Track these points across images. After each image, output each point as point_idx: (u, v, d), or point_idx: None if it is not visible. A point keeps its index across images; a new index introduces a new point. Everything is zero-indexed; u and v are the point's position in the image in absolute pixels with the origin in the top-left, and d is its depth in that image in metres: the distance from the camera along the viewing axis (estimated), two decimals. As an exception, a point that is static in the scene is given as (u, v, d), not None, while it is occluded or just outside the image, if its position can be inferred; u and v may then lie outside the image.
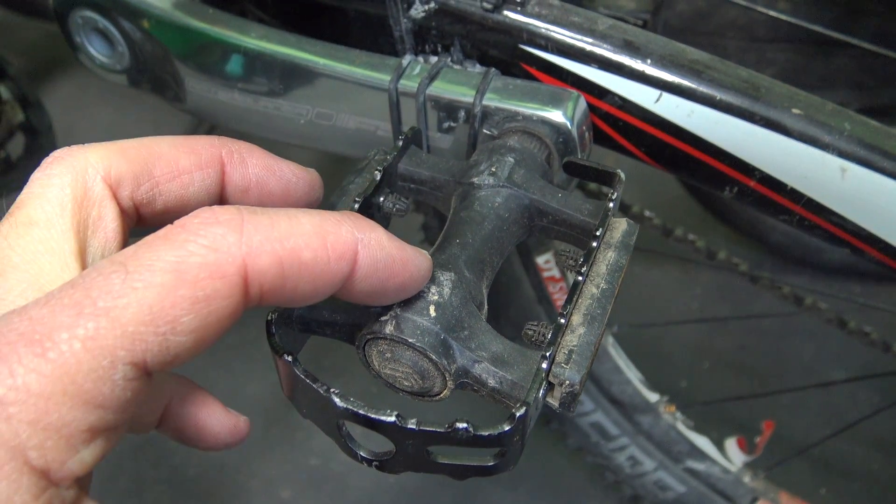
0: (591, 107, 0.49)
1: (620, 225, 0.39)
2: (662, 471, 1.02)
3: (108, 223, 0.31)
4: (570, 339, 0.33)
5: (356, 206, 0.39)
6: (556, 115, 0.47)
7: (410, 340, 0.32)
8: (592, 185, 0.90)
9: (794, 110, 0.46)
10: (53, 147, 1.13)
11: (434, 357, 0.33)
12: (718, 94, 0.46)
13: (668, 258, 1.42)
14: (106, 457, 0.25)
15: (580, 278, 0.35)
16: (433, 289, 0.34)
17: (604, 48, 0.48)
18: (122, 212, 0.32)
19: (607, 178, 0.42)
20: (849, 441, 1.22)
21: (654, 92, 0.47)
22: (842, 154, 0.45)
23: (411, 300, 0.34)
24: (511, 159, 0.42)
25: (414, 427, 0.30)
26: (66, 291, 0.24)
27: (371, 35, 0.55)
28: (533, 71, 0.50)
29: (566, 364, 0.32)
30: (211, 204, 0.33)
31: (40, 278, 0.28)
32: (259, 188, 0.35)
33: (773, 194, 0.49)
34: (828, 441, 1.08)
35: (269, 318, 0.34)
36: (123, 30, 0.59)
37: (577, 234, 0.40)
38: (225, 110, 0.59)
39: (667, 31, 0.52)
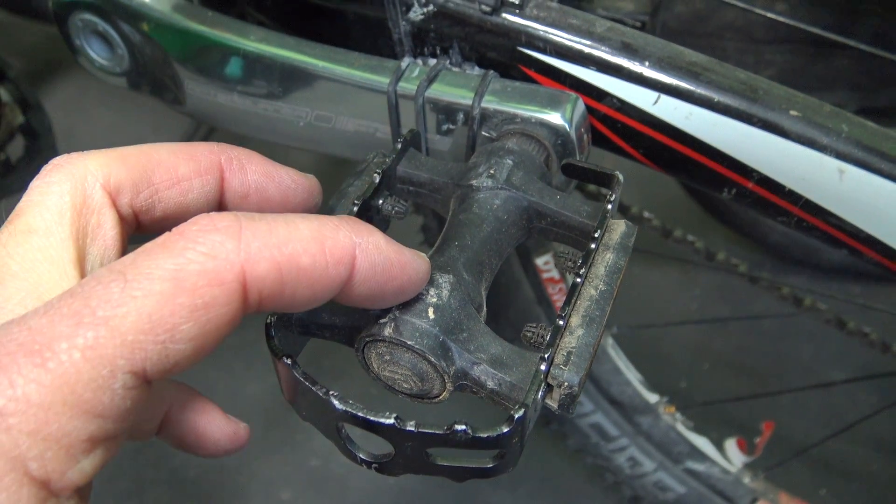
0: (589, 109, 0.49)
1: (619, 226, 0.39)
2: (662, 472, 1.02)
3: (108, 231, 0.31)
4: (569, 341, 0.33)
5: (355, 208, 0.39)
6: (555, 118, 0.47)
7: (409, 343, 0.33)
8: (591, 187, 0.90)
9: (792, 112, 0.46)
10: (53, 149, 1.13)
11: (433, 359, 0.33)
12: (716, 96, 0.46)
13: (668, 259, 1.42)
14: (103, 467, 0.25)
15: (578, 280, 0.35)
16: (432, 291, 0.34)
17: (602, 50, 0.48)
18: (122, 219, 0.32)
19: (606, 179, 0.42)
20: (848, 442, 1.22)
21: (653, 94, 0.47)
22: (839, 156, 0.45)
23: (410, 302, 0.34)
24: (509, 161, 0.42)
25: (413, 429, 0.30)
26: (64, 301, 0.24)
27: (370, 38, 0.55)
28: (531, 73, 0.50)
29: (565, 366, 0.32)
30: (210, 210, 0.33)
31: (39, 286, 0.28)
32: (258, 194, 0.35)
33: (771, 196, 0.49)
34: (827, 442, 1.08)
35: (269, 321, 0.34)
36: (123, 32, 0.59)
37: (576, 236, 0.40)
38: (224, 113, 0.59)
39: (665, 33, 0.52)
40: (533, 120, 0.47)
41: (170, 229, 0.26)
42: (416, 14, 0.51)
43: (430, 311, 0.33)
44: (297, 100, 0.55)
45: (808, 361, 1.37)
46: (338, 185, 0.41)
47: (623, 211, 0.96)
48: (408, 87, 0.50)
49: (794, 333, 1.39)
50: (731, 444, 1.04)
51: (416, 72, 0.51)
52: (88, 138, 1.81)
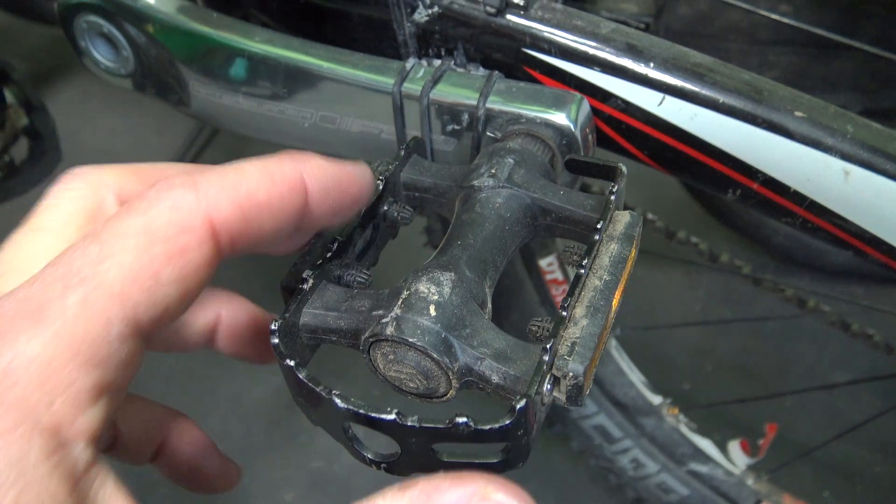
0: (594, 110, 0.49)
1: (623, 217, 0.39)
2: (665, 473, 1.02)
3: None
4: (573, 332, 0.33)
5: (360, 215, 0.39)
6: (560, 118, 0.47)
7: (411, 340, 0.33)
8: (597, 188, 0.90)
9: (797, 113, 0.46)
10: (57, 151, 1.13)
11: (435, 356, 0.33)
12: (721, 97, 0.46)
13: (671, 261, 1.42)
14: (112, 418, 0.27)
15: (582, 271, 0.35)
16: (433, 289, 0.34)
17: (606, 51, 0.48)
18: None
19: (609, 172, 0.42)
20: (852, 444, 1.22)
21: (657, 95, 0.47)
22: (844, 156, 0.45)
23: (412, 301, 0.34)
24: (511, 160, 0.42)
25: (414, 424, 0.30)
26: (49, 270, 0.26)
27: (375, 39, 0.55)
28: (536, 74, 0.50)
29: (569, 356, 0.32)
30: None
31: None
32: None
33: (776, 197, 0.49)
34: (831, 443, 1.08)
35: (273, 326, 0.34)
36: (128, 34, 0.59)
37: (582, 231, 0.40)
38: (229, 114, 0.59)
39: (669, 35, 0.52)
40: (538, 120, 0.47)
41: None
42: (421, 15, 0.51)
43: (432, 308, 0.33)
44: (302, 101, 0.55)
45: (811, 363, 1.37)
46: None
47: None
48: (413, 87, 0.50)
49: (797, 335, 1.39)
50: (734, 446, 1.04)
51: (421, 73, 0.51)
52: (92, 140, 1.81)
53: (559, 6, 0.50)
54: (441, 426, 0.30)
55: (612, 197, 0.39)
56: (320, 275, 0.37)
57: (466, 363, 0.33)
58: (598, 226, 0.37)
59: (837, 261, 1.37)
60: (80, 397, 0.24)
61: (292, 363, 0.33)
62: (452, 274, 0.35)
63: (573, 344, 0.33)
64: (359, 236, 0.41)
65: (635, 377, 1.01)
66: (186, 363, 1.36)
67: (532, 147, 0.46)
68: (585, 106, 0.48)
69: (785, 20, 0.71)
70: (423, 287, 0.34)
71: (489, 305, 0.37)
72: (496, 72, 0.51)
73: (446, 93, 0.50)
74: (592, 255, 0.36)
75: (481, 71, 0.52)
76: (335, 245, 0.38)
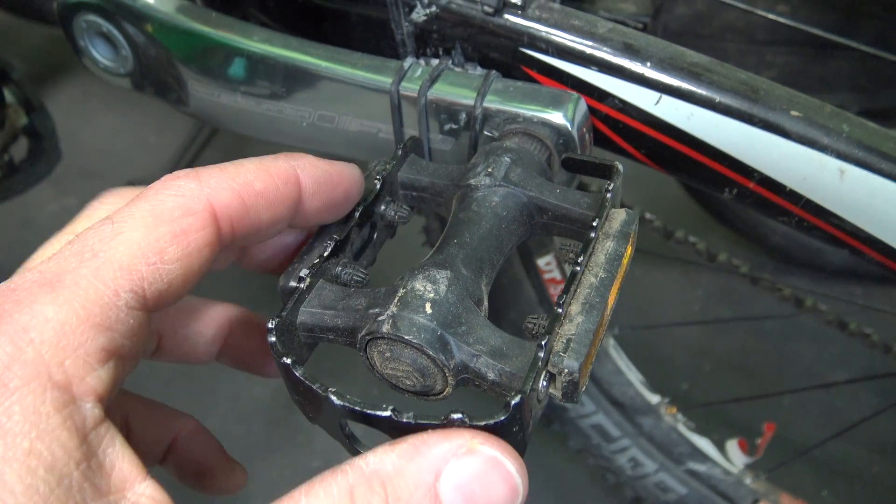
0: (591, 109, 0.50)
1: (619, 215, 0.39)
2: (664, 472, 1.02)
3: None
4: (569, 328, 0.33)
5: (357, 214, 0.40)
6: (557, 117, 0.47)
7: (407, 337, 0.33)
8: (595, 188, 0.90)
9: (793, 112, 0.46)
10: (57, 151, 1.13)
11: (431, 353, 0.33)
12: (718, 97, 0.47)
13: (669, 260, 1.42)
14: (119, 383, 0.29)
15: (577, 268, 0.35)
16: (429, 287, 0.34)
17: (604, 51, 0.48)
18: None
19: (606, 170, 0.42)
20: (850, 443, 1.22)
21: (654, 94, 0.48)
22: (840, 156, 0.45)
23: (408, 299, 0.34)
24: (507, 159, 0.43)
25: (410, 421, 0.30)
26: (66, 247, 0.29)
27: (373, 38, 0.55)
28: (533, 74, 0.50)
29: (564, 352, 0.32)
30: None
31: None
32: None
33: (772, 196, 0.49)
34: (829, 443, 1.08)
35: (271, 324, 0.34)
36: (127, 33, 0.59)
37: (578, 229, 0.40)
38: (227, 113, 0.59)
39: (666, 35, 0.52)
40: (535, 119, 0.48)
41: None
42: (419, 15, 0.51)
43: (428, 306, 0.34)
44: (300, 100, 0.55)
45: (809, 362, 1.37)
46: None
47: (625, 212, 0.96)
48: (410, 87, 0.50)
49: (795, 334, 1.39)
50: (732, 445, 1.04)
51: (419, 72, 0.51)
52: (92, 140, 1.81)
53: (556, 6, 0.50)
54: (436, 422, 0.30)
55: (608, 195, 0.39)
56: (317, 274, 0.37)
57: (462, 360, 0.34)
58: (594, 223, 0.37)
59: (835, 260, 1.37)
60: (89, 358, 0.27)
61: (289, 361, 0.33)
62: (448, 272, 0.35)
63: (568, 340, 0.33)
64: (356, 235, 0.41)
65: (633, 376, 1.01)
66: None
67: (529, 146, 0.46)
68: (582, 105, 0.49)
69: (782, 20, 0.71)
70: (420, 285, 0.35)
71: (485, 303, 0.37)
72: (494, 71, 0.51)
73: (444, 92, 0.50)
74: (588, 253, 0.36)
75: (479, 70, 0.52)
76: (332, 244, 0.38)
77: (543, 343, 0.32)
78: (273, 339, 0.34)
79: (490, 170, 0.42)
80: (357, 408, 0.31)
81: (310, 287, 0.37)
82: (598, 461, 1.06)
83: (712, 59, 0.48)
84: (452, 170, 0.44)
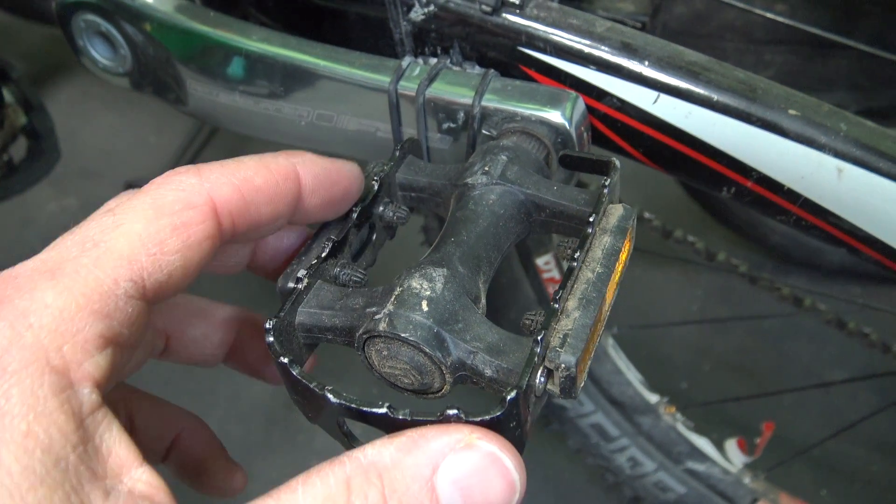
0: (589, 108, 0.50)
1: (617, 210, 0.39)
2: (663, 472, 1.03)
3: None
4: (565, 324, 0.33)
5: (354, 215, 0.40)
6: (555, 116, 0.47)
7: (403, 335, 0.33)
8: (595, 187, 0.90)
9: (791, 111, 0.46)
10: (56, 150, 1.13)
11: (428, 350, 0.33)
12: (716, 96, 0.47)
13: (669, 260, 1.42)
14: (117, 372, 0.29)
15: (574, 264, 0.35)
16: (426, 285, 0.34)
17: (602, 50, 0.48)
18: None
19: (602, 167, 0.42)
20: (849, 442, 1.22)
21: (652, 93, 0.48)
22: (838, 154, 0.45)
23: (404, 297, 0.34)
24: (504, 157, 0.43)
25: (406, 417, 0.30)
26: (68, 237, 0.30)
27: (371, 37, 0.55)
28: (531, 73, 0.50)
29: (561, 347, 0.32)
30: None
31: None
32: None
33: (770, 195, 0.49)
34: (828, 442, 1.08)
35: (268, 324, 0.34)
36: (126, 33, 0.59)
37: (576, 225, 0.40)
38: (226, 112, 0.59)
39: (665, 34, 0.52)
40: (533, 118, 0.48)
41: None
42: (417, 14, 0.51)
43: (424, 303, 0.34)
44: (299, 99, 0.55)
45: (808, 362, 1.37)
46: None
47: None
48: (409, 86, 0.50)
49: (794, 334, 1.39)
50: (731, 445, 1.04)
51: (417, 71, 0.51)
52: (91, 139, 1.81)
53: (555, 5, 0.50)
54: (432, 419, 0.30)
55: (605, 190, 0.39)
56: (315, 275, 0.38)
57: (459, 357, 0.34)
58: (591, 219, 0.37)
59: (834, 260, 1.37)
60: (87, 344, 0.27)
61: (286, 360, 0.33)
62: (445, 270, 0.35)
63: (565, 336, 0.33)
64: (354, 236, 0.41)
65: (632, 376, 1.01)
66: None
67: (527, 145, 0.46)
68: (580, 104, 0.49)
69: (781, 19, 0.71)
70: (416, 283, 0.35)
71: (483, 300, 0.37)
72: (492, 70, 0.51)
73: (442, 91, 0.50)
74: (585, 249, 0.36)
75: (477, 69, 0.52)
76: (329, 245, 0.39)
77: (539, 338, 0.32)
78: (271, 339, 0.34)
79: (487, 168, 0.42)
80: (353, 405, 0.31)
81: (308, 288, 0.37)
82: (597, 460, 1.06)
83: (710, 58, 0.48)
84: (450, 169, 0.44)
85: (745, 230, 1.40)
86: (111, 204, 0.36)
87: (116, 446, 0.27)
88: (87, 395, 0.27)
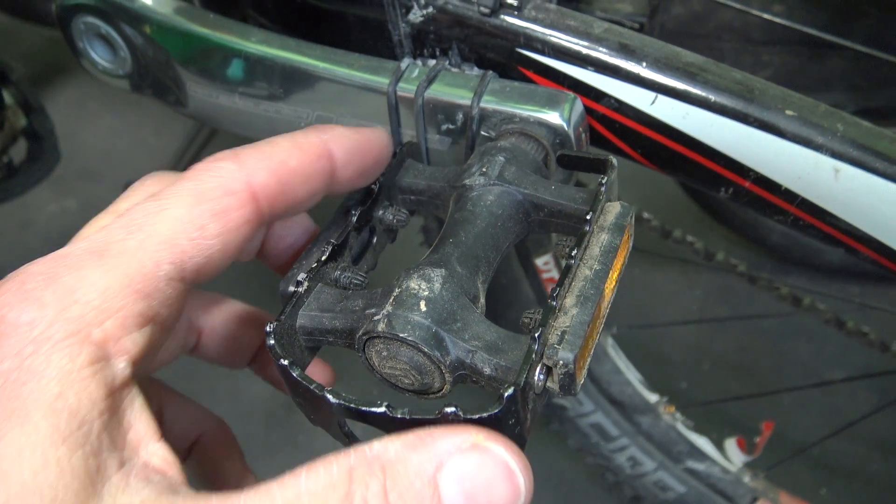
0: (587, 109, 0.50)
1: (614, 208, 0.39)
2: (662, 471, 1.03)
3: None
4: (563, 321, 0.34)
5: (353, 219, 0.41)
6: (553, 117, 0.48)
7: (402, 335, 0.33)
8: (593, 186, 0.90)
9: (788, 112, 0.46)
10: (56, 152, 1.14)
11: (426, 350, 0.33)
12: (713, 96, 0.47)
13: (668, 260, 1.42)
14: (153, 350, 0.31)
15: (571, 262, 0.36)
16: (424, 285, 0.35)
17: (600, 51, 0.48)
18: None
19: (600, 165, 0.42)
20: (849, 441, 1.22)
21: (650, 94, 0.48)
22: (835, 155, 0.46)
23: (403, 298, 0.34)
24: (501, 158, 0.43)
25: (404, 416, 0.30)
26: (116, 220, 0.31)
27: (370, 39, 0.55)
28: (530, 74, 0.51)
29: (559, 345, 0.32)
30: None
31: None
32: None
33: (767, 195, 0.49)
34: (827, 441, 1.09)
35: (268, 328, 0.35)
36: (125, 35, 0.59)
37: (575, 224, 0.40)
38: (226, 114, 0.59)
39: (663, 35, 0.52)
40: (531, 119, 0.48)
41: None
42: (416, 16, 0.51)
43: (422, 304, 0.34)
44: (299, 101, 0.55)
45: (807, 361, 1.37)
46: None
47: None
48: (407, 87, 0.51)
49: (793, 333, 1.39)
50: (731, 444, 1.04)
51: (416, 72, 0.51)
52: (91, 141, 1.81)
53: (553, 6, 0.50)
54: (431, 417, 0.30)
55: (602, 188, 0.39)
56: (315, 278, 0.38)
57: (458, 356, 0.34)
58: (588, 217, 0.37)
59: (833, 259, 1.38)
60: (127, 321, 0.29)
61: (286, 362, 0.33)
62: (443, 270, 0.36)
63: (563, 333, 0.33)
64: (354, 240, 0.42)
65: (632, 375, 1.01)
66: (186, 362, 1.36)
67: (525, 146, 0.46)
68: (578, 105, 0.49)
69: (778, 20, 0.72)
70: (414, 284, 0.35)
71: (482, 300, 0.37)
72: (490, 71, 0.51)
73: (441, 92, 0.50)
74: (583, 246, 0.37)
75: (476, 71, 0.52)
76: (329, 248, 0.39)
77: (537, 335, 0.32)
78: (272, 341, 0.34)
79: (484, 169, 0.42)
80: (353, 405, 0.32)
81: (308, 291, 0.38)
82: (597, 460, 1.06)
83: (707, 59, 0.49)
84: (449, 172, 0.44)
85: (743, 230, 1.40)
86: (146, 182, 0.38)
87: (137, 421, 0.29)
88: (122, 368, 0.29)
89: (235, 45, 0.55)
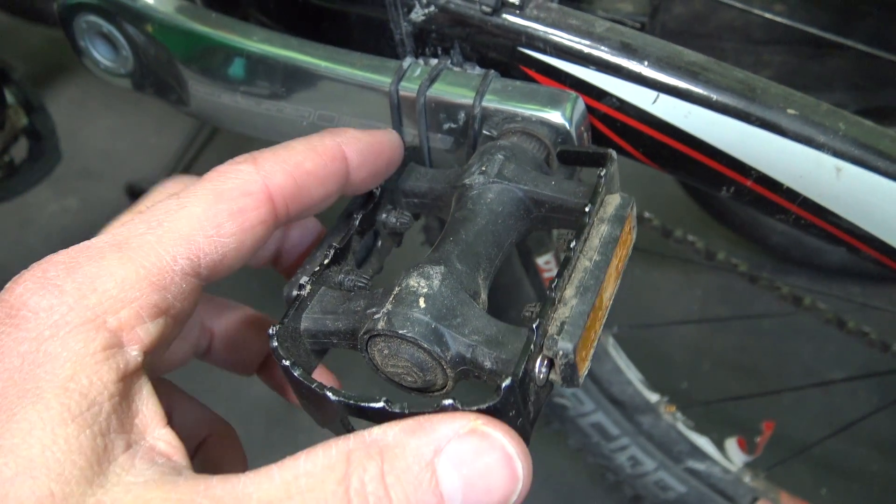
0: (589, 108, 0.50)
1: (614, 200, 0.39)
2: (663, 471, 1.03)
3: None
4: (563, 312, 0.33)
5: (356, 222, 0.42)
6: (555, 116, 0.48)
7: (401, 332, 0.33)
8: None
9: (790, 111, 0.46)
10: (57, 151, 1.14)
11: (426, 345, 0.33)
12: (715, 95, 0.47)
13: (668, 259, 1.42)
14: (165, 341, 0.32)
15: (571, 254, 0.35)
16: (423, 282, 0.35)
17: (601, 50, 0.48)
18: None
19: (599, 158, 0.42)
20: (849, 441, 1.22)
21: (652, 93, 0.48)
22: (836, 154, 0.46)
23: (402, 296, 0.34)
24: (500, 156, 0.43)
25: (403, 410, 0.31)
26: (137, 216, 0.33)
27: (372, 38, 0.55)
28: (532, 73, 0.51)
29: (558, 335, 0.32)
30: None
31: None
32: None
33: (769, 194, 0.49)
34: (828, 441, 1.08)
35: (271, 331, 0.35)
36: (127, 34, 0.59)
37: (577, 219, 0.40)
38: (228, 113, 0.59)
39: (664, 34, 0.52)
40: (533, 119, 0.48)
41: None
42: (418, 15, 0.51)
43: (421, 300, 0.34)
44: (300, 100, 0.55)
45: (808, 361, 1.37)
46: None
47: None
48: (409, 86, 0.51)
49: (794, 333, 1.39)
50: (731, 444, 1.04)
51: (418, 72, 0.51)
52: (92, 140, 1.81)
53: (554, 5, 0.50)
54: (429, 410, 0.30)
55: (602, 180, 0.39)
56: (318, 282, 0.38)
57: (459, 351, 0.34)
58: (587, 209, 0.37)
59: (834, 259, 1.38)
60: (142, 311, 0.30)
61: (287, 363, 0.34)
62: (442, 267, 0.36)
63: (563, 323, 0.33)
64: (357, 243, 0.42)
65: (633, 375, 1.01)
66: (190, 361, 1.36)
67: (527, 145, 0.46)
68: (580, 104, 0.49)
69: (779, 19, 0.72)
70: (414, 282, 0.35)
71: (483, 296, 0.37)
72: (492, 70, 0.51)
73: (443, 91, 0.50)
74: (583, 238, 0.37)
75: (477, 70, 0.52)
76: (331, 252, 0.39)
77: (535, 326, 0.32)
78: (275, 343, 0.35)
79: (484, 168, 0.42)
80: (352, 401, 0.32)
81: (312, 294, 0.38)
82: (598, 459, 1.06)
83: (709, 58, 0.49)
84: (450, 173, 0.45)
85: (744, 230, 1.40)
86: (167, 185, 0.39)
87: (145, 407, 0.30)
88: (133, 356, 0.30)
89: (237, 44, 0.55)
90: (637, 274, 1.47)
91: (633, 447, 1.02)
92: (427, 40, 0.53)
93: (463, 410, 0.30)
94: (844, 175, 0.46)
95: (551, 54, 0.49)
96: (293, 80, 0.54)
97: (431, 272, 0.35)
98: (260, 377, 0.49)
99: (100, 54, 0.62)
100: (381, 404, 0.31)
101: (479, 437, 0.28)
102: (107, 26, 0.60)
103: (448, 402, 0.30)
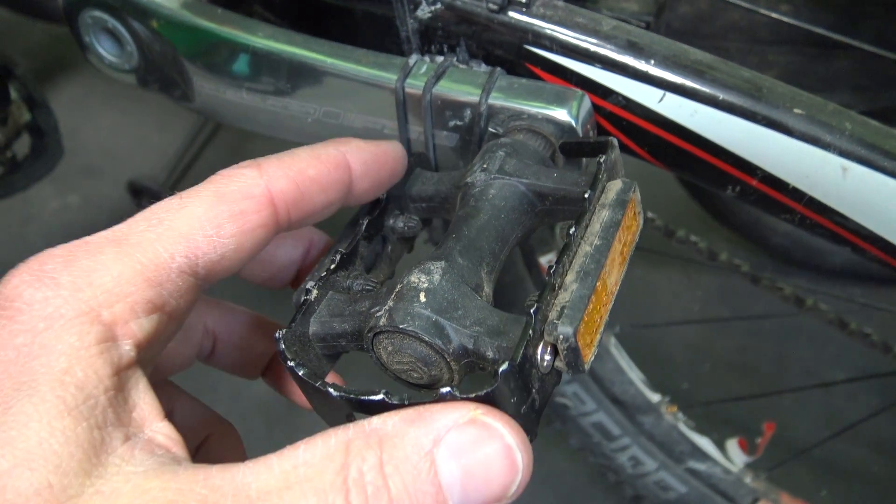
0: (595, 106, 0.50)
1: (616, 185, 0.39)
2: (664, 471, 1.03)
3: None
4: (563, 297, 0.33)
5: (362, 228, 0.42)
6: (561, 114, 0.48)
7: (402, 326, 0.33)
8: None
9: (796, 110, 0.46)
10: (59, 147, 1.14)
11: (427, 339, 0.33)
12: (721, 94, 0.47)
13: (670, 259, 1.42)
14: (159, 337, 0.32)
15: (570, 240, 0.35)
16: (423, 278, 0.35)
17: (608, 48, 0.48)
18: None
19: (601, 147, 0.42)
20: (850, 442, 1.22)
21: (658, 92, 0.48)
22: (843, 153, 0.46)
23: (403, 292, 0.35)
24: (502, 153, 0.43)
25: (403, 401, 0.31)
26: (139, 214, 0.33)
27: (378, 35, 0.55)
28: (538, 71, 0.51)
29: (558, 320, 0.32)
30: None
31: None
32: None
33: (775, 193, 0.49)
34: (829, 442, 1.08)
35: (278, 334, 0.35)
36: (132, 29, 0.59)
37: (581, 210, 0.40)
38: (233, 109, 0.59)
39: (669, 34, 0.52)
40: (539, 116, 0.48)
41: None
42: (424, 12, 0.51)
43: (422, 295, 0.34)
44: (306, 96, 0.55)
45: (809, 362, 1.37)
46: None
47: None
48: (415, 83, 0.51)
49: (795, 334, 1.39)
50: (732, 444, 1.04)
51: (424, 69, 0.51)
52: (94, 137, 1.81)
53: (561, 3, 0.50)
54: (428, 400, 0.30)
55: (602, 166, 0.39)
56: (326, 286, 0.39)
57: (461, 343, 0.34)
58: (586, 195, 0.37)
59: (836, 260, 1.38)
60: (136, 306, 0.30)
61: (292, 363, 0.34)
62: (443, 262, 0.36)
63: (563, 308, 0.33)
64: (365, 249, 0.42)
65: (634, 375, 1.01)
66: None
67: (532, 142, 0.46)
68: (586, 102, 0.49)
69: (785, 19, 0.72)
70: (415, 278, 0.35)
71: (486, 289, 0.37)
72: (498, 68, 0.51)
73: (449, 89, 0.50)
74: (583, 224, 0.36)
75: (483, 67, 0.52)
76: (338, 257, 0.40)
77: (533, 311, 0.32)
78: (282, 347, 0.35)
79: (485, 165, 0.42)
80: (352, 395, 0.32)
81: (319, 299, 0.38)
82: (599, 459, 1.06)
83: (715, 57, 0.49)
84: (455, 174, 0.45)
85: (746, 231, 1.40)
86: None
87: (142, 400, 0.30)
88: (127, 350, 0.30)
89: (242, 40, 0.55)
90: (639, 274, 1.47)
91: (635, 447, 1.02)
92: (433, 37, 0.53)
93: (461, 398, 0.30)
94: (850, 175, 0.46)
95: (557, 52, 0.49)
96: (298, 76, 0.54)
97: (432, 267, 0.36)
98: (265, 380, 0.49)
99: (104, 50, 0.62)
100: (380, 397, 0.31)
101: (479, 426, 0.28)
102: (112, 22, 0.60)
103: (446, 389, 0.29)
